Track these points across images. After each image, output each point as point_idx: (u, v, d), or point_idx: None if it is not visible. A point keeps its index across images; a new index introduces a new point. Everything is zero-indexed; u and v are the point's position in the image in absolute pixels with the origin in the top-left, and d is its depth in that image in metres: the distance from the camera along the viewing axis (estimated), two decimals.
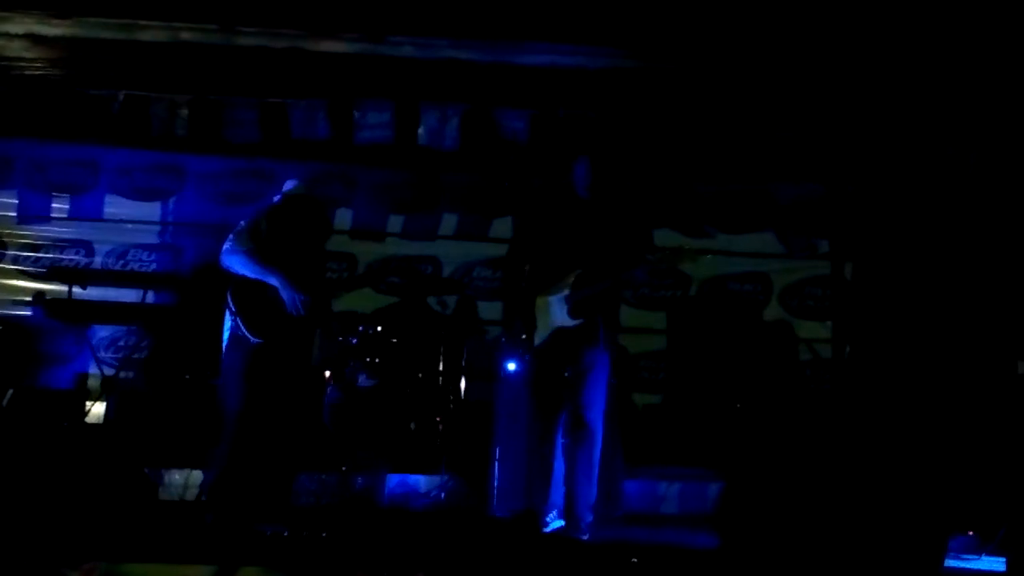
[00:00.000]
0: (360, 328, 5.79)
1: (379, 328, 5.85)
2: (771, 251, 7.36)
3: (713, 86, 6.42)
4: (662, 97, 6.57)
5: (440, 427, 5.68)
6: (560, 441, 4.63)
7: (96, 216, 6.91)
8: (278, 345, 4.38)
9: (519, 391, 5.02)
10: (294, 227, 4.54)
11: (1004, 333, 5.42)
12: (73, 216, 6.89)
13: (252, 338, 4.33)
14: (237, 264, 4.39)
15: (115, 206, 6.94)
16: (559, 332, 4.49)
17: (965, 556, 4.21)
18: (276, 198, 4.61)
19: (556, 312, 4.51)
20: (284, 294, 4.36)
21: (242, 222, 4.52)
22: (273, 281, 4.37)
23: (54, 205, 6.88)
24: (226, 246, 4.42)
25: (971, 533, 4.40)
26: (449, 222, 7.23)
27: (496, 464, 5.09)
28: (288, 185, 4.64)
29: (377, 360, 5.74)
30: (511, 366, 5.25)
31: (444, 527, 4.80)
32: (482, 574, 3.51)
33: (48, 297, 6.32)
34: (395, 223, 7.19)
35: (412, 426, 5.72)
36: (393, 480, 5.37)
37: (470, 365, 5.86)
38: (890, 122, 6.48)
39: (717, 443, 5.86)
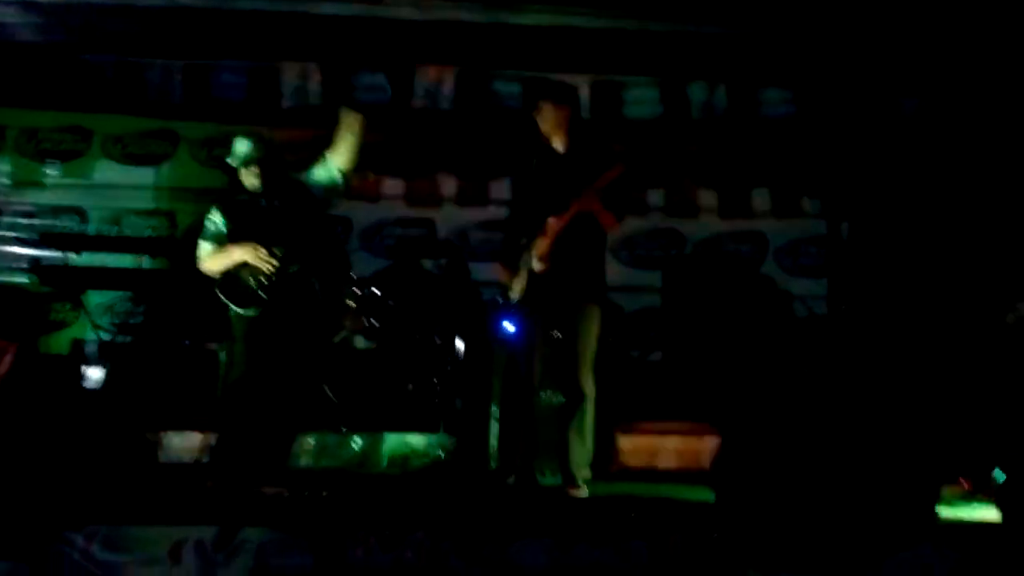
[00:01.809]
0: (356, 290, 5.80)
1: (375, 290, 5.85)
2: (766, 210, 7.35)
3: (708, 45, 6.40)
4: (659, 57, 6.55)
5: (438, 387, 5.70)
6: (552, 399, 4.66)
7: (91, 182, 6.89)
8: (276, 310, 4.40)
9: (515, 350, 5.03)
10: (246, 205, 4.54)
11: (993, 285, 5.45)
12: (68, 182, 6.88)
13: (235, 308, 4.40)
14: (208, 270, 4.53)
15: (108, 172, 6.92)
16: (540, 287, 4.48)
17: (959, 504, 4.25)
18: (230, 160, 4.59)
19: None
20: (255, 263, 4.41)
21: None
22: (240, 256, 4.44)
23: (47, 171, 6.87)
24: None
25: (963, 481, 4.45)
26: (447, 185, 7.21)
27: (494, 423, 5.11)
28: (237, 149, 4.60)
29: (374, 322, 5.75)
30: (507, 325, 5.26)
31: (443, 486, 4.84)
32: (481, 532, 3.53)
33: (43, 264, 6.31)
34: (391, 186, 7.17)
35: (410, 387, 5.74)
36: (392, 440, 5.40)
37: (467, 325, 5.87)
38: (878, 75, 6.47)
39: (713, 399, 5.90)
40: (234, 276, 4.46)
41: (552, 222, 4.43)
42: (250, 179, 4.51)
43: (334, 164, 4.53)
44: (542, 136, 4.58)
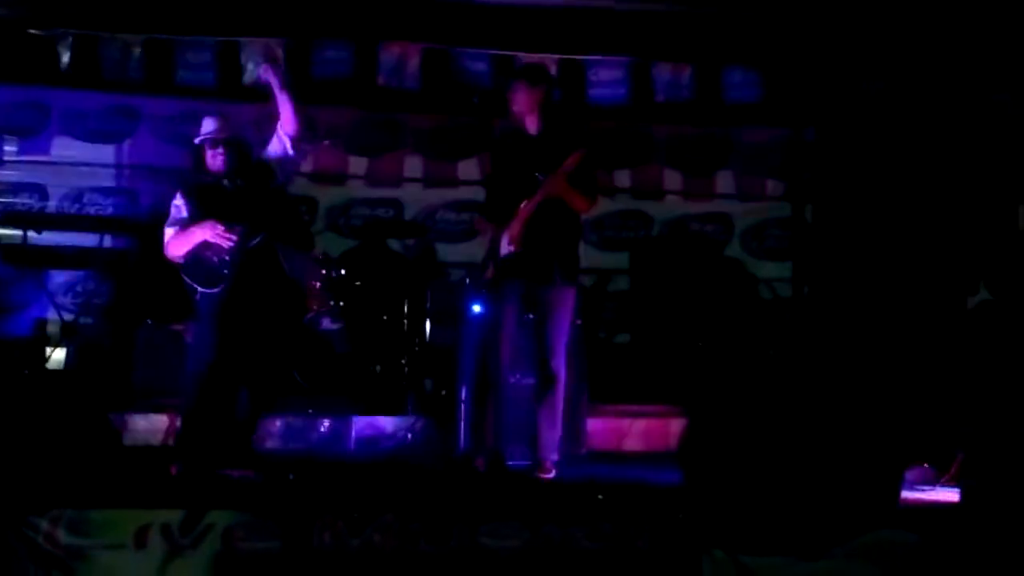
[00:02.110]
0: (323, 271, 5.76)
1: (343, 271, 5.82)
2: (731, 192, 7.40)
3: (673, 25, 6.41)
4: (624, 37, 6.54)
5: (406, 369, 5.69)
6: (522, 381, 4.66)
7: (50, 159, 6.76)
8: (241, 288, 4.36)
9: (483, 332, 5.03)
10: (209, 187, 4.50)
11: (954, 268, 5.54)
12: (26, 159, 6.74)
13: (201, 288, 4.36)
14: (172, 255, 4.46)
15: (68, 148, 6.79)
16: (512, 269, 4.48)
17: (920, 487, 4.32)
18: (196, 140, 4.54)
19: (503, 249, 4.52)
20: (214, 240, 4.37)
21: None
22: (199, 236, 4.39)
23: (4, 148, 6.72)
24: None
25: (926, 465, 4.52)
26: (413, 165, 7.17)
27: (462, 405, 5.12)
28: (204, 127, 4.55)
29: (341, 303, 5.72)
30: (475, 307, 5.26)
31: (412, 468, 4.84)
32: (449, 514, 3.54)
33: (3, 242, 6.20)
34: (357, 165, 7.12)
35: (377, 368, 5.72)
36: (360, 422, 5.38)
37: (434, 307, 5.86)
38: (840, 61, 6.52)
39: (680, 381, 5.95)
40: (196, 256, 4.41)
41: (523, 206, 4.43)
42: (215, 159, 4.45)
43: (282, 132, 4.50)
44: (514, 117, 4.56)
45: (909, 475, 4.11)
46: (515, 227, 4.44)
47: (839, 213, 6.84)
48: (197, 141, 4.51)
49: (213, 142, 4.46)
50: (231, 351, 4.34)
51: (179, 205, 4.51)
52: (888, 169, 6.40)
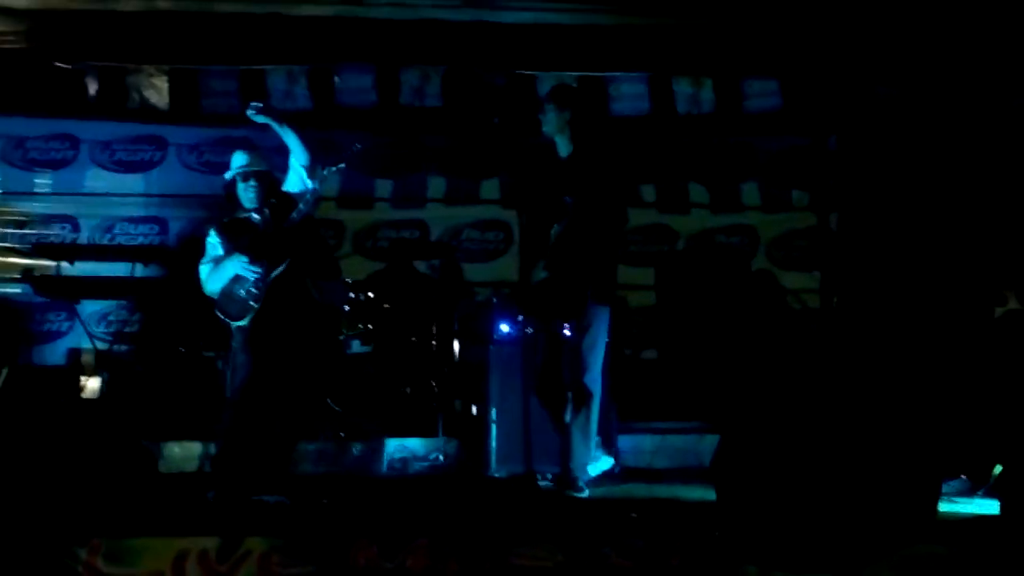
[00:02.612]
0: (351, 295, 5.79)
1: (370, 294, 5.85)
2: (756, 204, 7.37)
3: (689, 39, 6.42)
4: (643, 52, 6.56)
5: (435, 390, 5.70)
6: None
7: (80, 190, 6.86)
8: (271, 317, 4.41)
9: (512, 352, 5.04)
10: (240, 223, 4.57)
11: (983, 276, 5.48)
12: (56, 191, 6.84)
13: (231, 322, 4.45)
14: (211, 292, 4.55)
15: (98, 179, 6.89)
16: (546, 288, 4.51)
17: (958, 499, 4.28)
18: (227, 175, 4.61)
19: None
20: (242, 273, 4.44)
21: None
22: (230, 271, 4.47)
23: (36, 180, 6.83)
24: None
25: (963, 477, 4.47)
26: (437, 186, 7.21)
27: (492, 425, 5.12)
28: (234, 161, 4.62)
29: (369, 326, 5.75)
30: (504, 327, 5.27)
31: (444, 491, 4.85)
32: (483, 536, 3.55)
33: (36, 274, 6.28)
34: (383, 188, 7.16)
35: (408, 390, 5.74)
36: (391, 445, 5.40)
37: (462, 327, 5.87)
38: (859, 67, 6.50)
39: (710, 396, 5.91)
40: (227, 290, 4.49)
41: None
42: (246, 192, 4.53)
43: (296, 164, 4.55)
44: (546, 138, 4.60)
45: (946, 488, 4.07)
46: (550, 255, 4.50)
47: (865, 221, 6.80)
48: (229, 176, 4.59)
49: (244, 175, 4.53)
50: (266, 378, 4.39)
51: (214, 243, 4.61)
52: (912, 176, 6.37)
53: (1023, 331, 4.91)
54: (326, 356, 5.40)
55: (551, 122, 4.56)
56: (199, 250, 4.68)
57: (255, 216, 4.55)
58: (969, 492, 4.39)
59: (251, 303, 4.41)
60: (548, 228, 4.49)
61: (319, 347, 4.69)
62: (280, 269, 4.45)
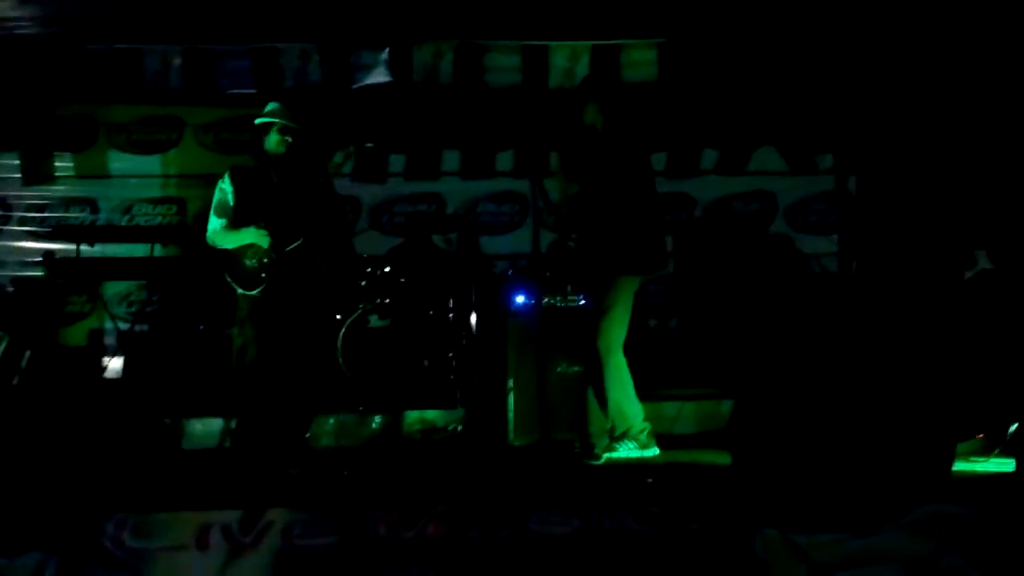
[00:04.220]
0: (368, 269, 5.82)
1: (387, 268, 5.87)
2: (773, 169, 7.31)
3: (704, 4, 6.35)
4: (654, 17, 6.50)
5: (453, 362, 5.74)
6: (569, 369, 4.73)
7: (99, 173, 6.91)
8: (283, 290, 4.43)
9: (529, 322, 5.06)
10: (256, 175, 4.55)
11: (1007, 236, 5.43)
12: (76, 174, 6.90)
13: (240, 290, 4.46)
14: (217, 246, 4.58)
15: (116, 161, 6.94)
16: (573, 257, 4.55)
17: (974, 459, 4.27)
18: (257, 120, 4.60)
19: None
20: (263, 243, 4.44)
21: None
22: (248, 239, 4.48)
23: (57, 164, 6.89)
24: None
25: (980, 436, 4.46)
26: (451, 159, 7.20)
27: (510, 395, 5.16)
28: (270, 108, 4.62)
29: (387, 300, 5.78)
30: (520, 298, 5.29)
31: (462, 460, 4.89)
32: (501, 503, 3.57)
33: (57, 256, 6.36)
34: (396, 163, 7.17)
35: (426, 363, 5.77)
36: (410, 417, 5.45)
37: (479, 300, 5.90)
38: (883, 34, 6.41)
39: (729, 362, 5.91)
40: (238, 257, 4.49)
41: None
42: (280, 144, 4.51)
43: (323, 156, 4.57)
44: (586, 125, 4.66)
45: (962, 447, 4.06)
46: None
47: (884, 184, 6.74)
48: (259, 122, 4.56)
49: (283, 127, 4.51)
50: (275, 350, 4.42)
51: (225, 189, 4.58)
52: (931, 137, 6.30)
53: None
54: (332, 330, 5.44)
55: (590, 113, 4.61)
56: None
57: (273, 174, 4.54)
58: (985, 451, 4.37)
59: (261, 275, 4.43)
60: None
61: (325, 322, 4.68)
62: (294, 245, 4.46)
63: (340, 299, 5.55)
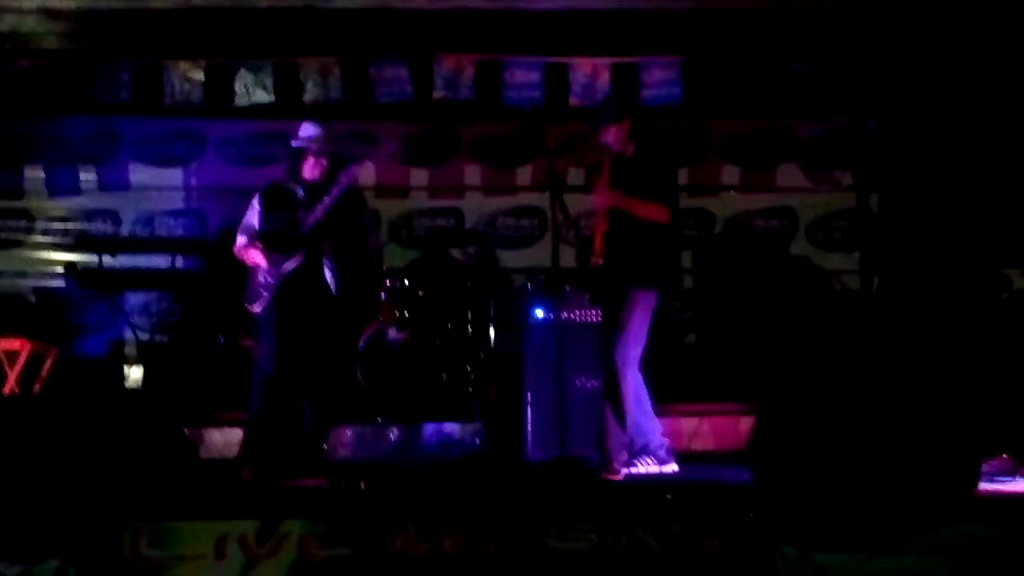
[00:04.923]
0: (387, 282, 5.83)
1: (406, 281, 5.88)
2: (795, 185, 7.28)
3: (727, 22, 6.35)
4: (678, 36, 6.50)
5: (472, 376, 5.73)
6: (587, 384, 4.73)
7: (122, 185, 6.97)
8: (286, 308, 4.47)
9: (547, 337, 5.05)
10: (284, 194, 4.61)
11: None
12: (100, 186, 6.96)
13: (247, 304, 4.57)
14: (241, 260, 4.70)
15: (138, 174, 7.00)
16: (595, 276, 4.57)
17: (999, 478, 4.22)
18: (294, 143, 4.64)
19: None
20: (263, 264, 4.56)
21: None
22: (252, 260, 4.61)
23: (82, 176, 6.95)
24: None
25: (1005, 456, 4.41)
26: (472, 173, 7.22)
27: (528, 410, 5.14)
28: (305, 131, 4.66)
29: (406, 313, 5.79)
30: (538, 313, 5.28)
31: (480, 474, 4.87)
32: (518, 518, 3.56)
33: (79, 267, 6.41)
34: (418, 177, 7.19)
35: (444, 376, 5.77)
36: (428, 430, 5.44)
37: (497, 314, 5.89)
38: (904, 49, 6.39)
39: (749, 378, 5.88)
40: (250, 273, 4.57)
41: (595, 223, 4.61)
42: (314, 169, 4.56)
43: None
44: (613, 149, 4.70)
45: (987, 466, 4.01)
46: (596, 242, 4.59)
47: (905, 202, 6.70)
48: (297, 144, 4.60)
49: (319, 152, 4.56)
50: (288, 363, 4.44)
51: (254, 207, 4.66)
52: (952, 155, 6.26)
53: None
54: (350, 343, 5.46)
55: (614, 137, 4.66)
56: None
57: (300, 191, 4.58)
58: (1011, 471, 4.32)
59: (262, 292, 4.48)
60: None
61: (336, 338, 4.69)
62: (292, 264, 4.48)
63: (356, 316, 5.57)
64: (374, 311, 5.77)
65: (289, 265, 4.49)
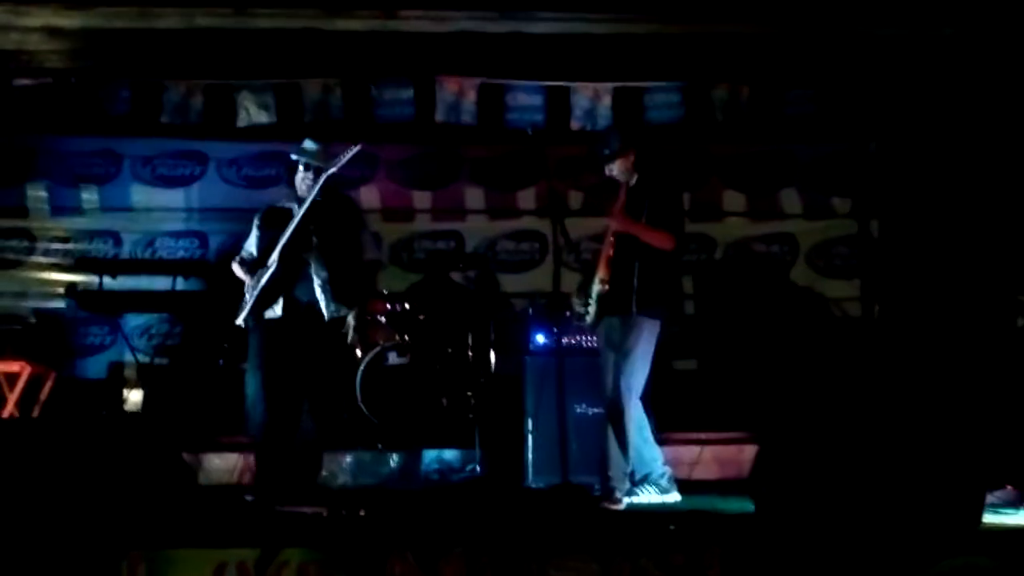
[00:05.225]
0: (387, 306, 5.81)
1: (406, 305, 5.87)
2: (795, 211, 7.29)
3: (723, 46, 6.38)
4: (676, 60, 6.53)
5: (472, 402, 5.71)
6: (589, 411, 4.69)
7: (123, 205, 6.96)
8: (290, 328, 4.45)
9: (548, 362, 5.03)
10: (282, 214, 4.63)
11: None
12: (101, 206, 6.95)
13: (241, 323, 4.55)
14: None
15: (139, 194, 6.99)
16: (601, 305, 4.56)
17: (1004, 510, 4.19)
18: (292, 155, 4.66)
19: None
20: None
21: None
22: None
23: (83, 196, 6.94)
24: None
25: (1009, 488, 4.38)
26: (474, 197, 7.22)
27: (528, 436, 5.11)
28: (304, 144, 4.67)
29: (406, 337, 5.76)
30: (539, 337, 5.27)
31: (480, 501, 4.84)
32: (519, 546, 3.53)
33: (79, 288, 6.39)
34: (421, 200, 7.19)
35: (444, 402, 5.74)
36: (428, 456, 5.41)
37: (498, 338, 5.88)
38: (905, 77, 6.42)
39: (750, 406, 5.85)
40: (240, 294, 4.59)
41: (602, 248, 4.58)
42: (303, 183, 4.56)
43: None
44: (620, 178, 4.69)
45: (992, 498, 3.99)
46: (602, 269, 4.55)
47: (907, 228, 6.71)
48: (293, 157, 4.62)
49: (307, 165, 4.56)
50: (288, 387, 4.43)
51: (252, 233, 4.71)
52: (953, 182, 6.27)
53: None
54: (349, 368, 5.43)
55: (620, 169, 4.65)
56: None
57: (296, 208, 4.58)
58: (1015, 503, 4.29)
59: (242, 305, 4.50)
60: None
61: (325, 360, 4.65)
62: (264, 279, 4.47)
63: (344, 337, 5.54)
64: (372, 330, 5.75)
65: (263, 278, 4.48)
